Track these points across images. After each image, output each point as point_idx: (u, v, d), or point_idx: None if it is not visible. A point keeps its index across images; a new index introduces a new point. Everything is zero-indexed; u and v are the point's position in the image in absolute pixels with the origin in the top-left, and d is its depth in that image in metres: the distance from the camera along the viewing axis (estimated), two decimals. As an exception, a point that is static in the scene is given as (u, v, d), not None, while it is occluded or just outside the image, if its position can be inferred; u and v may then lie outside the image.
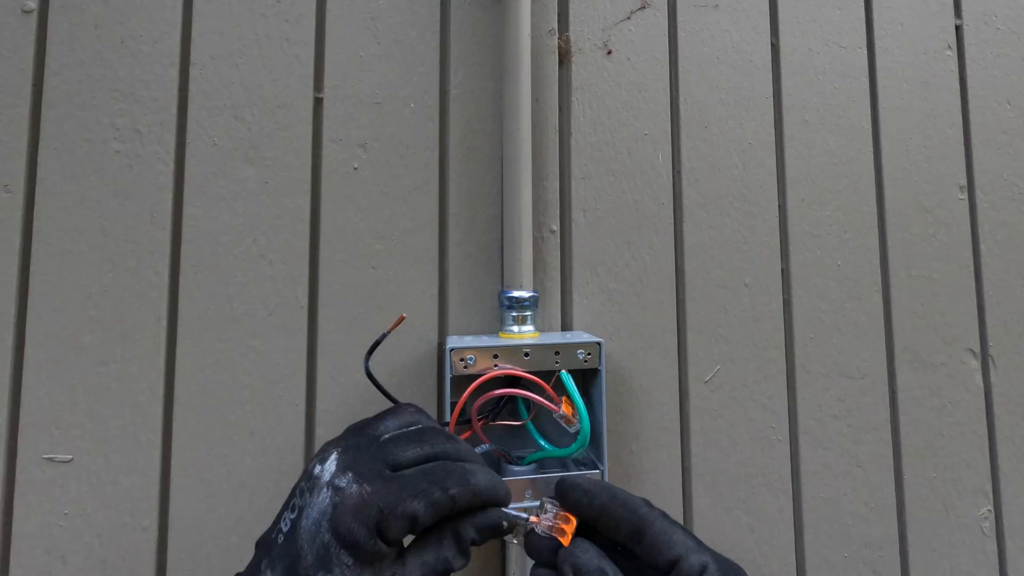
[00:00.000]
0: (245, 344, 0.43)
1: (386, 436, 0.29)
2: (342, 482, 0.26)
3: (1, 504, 0.39)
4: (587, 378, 0.44)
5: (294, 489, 0.29)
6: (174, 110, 0.44)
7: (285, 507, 0.28)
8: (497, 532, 0.29)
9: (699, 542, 0.31)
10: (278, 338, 0.43)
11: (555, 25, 0.49)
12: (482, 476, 0.29)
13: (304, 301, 0.44)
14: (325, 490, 0.26)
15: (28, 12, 0.43)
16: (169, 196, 0.43)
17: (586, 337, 0.43)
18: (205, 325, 0.43)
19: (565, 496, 0.31)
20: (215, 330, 0.43)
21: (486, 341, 0.42)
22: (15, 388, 0.40)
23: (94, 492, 0.40)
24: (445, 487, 0.27)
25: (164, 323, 0.42)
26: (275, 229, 0.44)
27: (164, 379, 0.42)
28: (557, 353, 0.42)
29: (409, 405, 0.34)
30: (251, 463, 0.42)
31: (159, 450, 0.41)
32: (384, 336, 0.39)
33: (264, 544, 0.28)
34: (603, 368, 0.42)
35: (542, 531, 0.30)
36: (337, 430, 0.43)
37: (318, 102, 0.46)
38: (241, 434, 0.42)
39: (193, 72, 0.44)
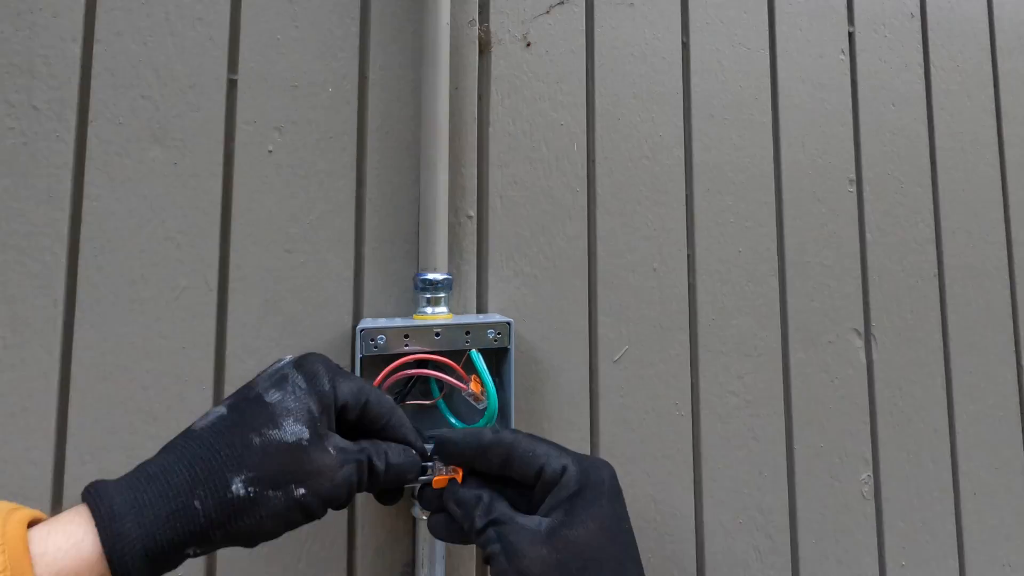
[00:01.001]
0: (149, 328, 0.42)
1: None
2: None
3: None
4: (499, 358, 0.46)
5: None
6: (75, 87, 0.42)
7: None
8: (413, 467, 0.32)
9: (563, 449, 0.33)
10: (185, 322, 0.43)
11: (475, 15, 0.51)
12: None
13: (213, 284, 0.44)
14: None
15: (-92, -22, 0.41)
16: (68, 175, 0.42)
17: (496, 317, 0.45)
18: (106, 309, 0.42)
19: (442, 451, 0.34)
20: (117, 314, 0.42)
21: (398, 322, 0.43)
22: None
23: (-20, 482, 0.39)
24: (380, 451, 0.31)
25: (61, 307, 0.41)
26: (184, 211, 0.44)
27: (60, 365, 0.41)
28: (467, 333, 0.43)
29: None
30: (153, 449, 0.41)
31: (52, 438, 0.40)
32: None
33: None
34: (512, 347, 0.44)
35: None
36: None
37: (232, 84, 0.45)
38: (143, 420, 0.41)
39: (98, 48, 0.43)
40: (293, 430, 0.27)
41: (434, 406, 0.44)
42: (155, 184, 0.43)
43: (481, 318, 0.45)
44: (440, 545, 0.42)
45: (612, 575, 0.28)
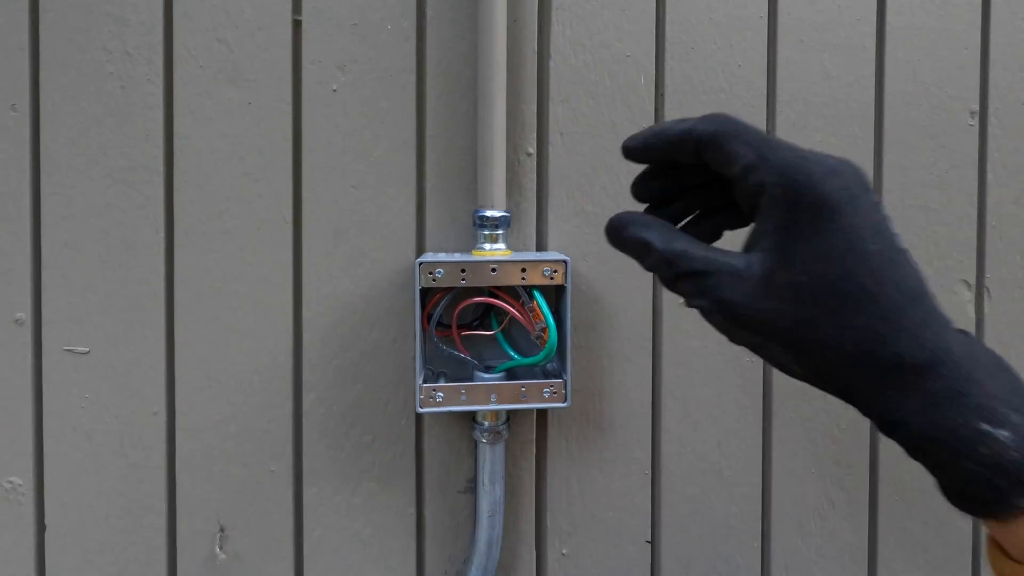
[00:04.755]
0: (236, 256, 0.46)
1: None
2: None
3: (32, 389, 0.45)
4: (558, 297, 0.45)
5: None
6: (160, 33, 0.45)
7: None
8: None
9: (767, 147, 0.23)
10: (266, 251, 0.46)
11: (538, -60, 0.48)
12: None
13: (289, 218, 0.46)
14: None
15: (23, -63, 0.45)
16: (160, 116, 0.46)
17: (553, 255, 0.44)
18: (199, 238, 0.46)
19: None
20: (208, 243, 0.46)
21: (457, 257, 0.43)
22: (36, 289, 0.45)
23: (109, 381, 0.45)
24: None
25: (162, 235, 0.45)
26: (259, 148, 0.46)
27: (164, 285, 0.45)
28: (523, 270, 0.43)
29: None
30: (244, 361, 0.46)
31: (163, 346, 0.45)
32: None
33: None
34: (569, 285, 0.43)
35: None
36: (322, 337, 0.46)
37: (297, 24, 0.46)
38: (235, 335, 0.46)
39: (178, -5, 0.46)
40: None
41: (493, 338, 0.45)
42: (233, 123, 0.46)
43: (538, 255, 0.45)
44: (500, 465, 0.44)
45: (850, 318, 0.22)
